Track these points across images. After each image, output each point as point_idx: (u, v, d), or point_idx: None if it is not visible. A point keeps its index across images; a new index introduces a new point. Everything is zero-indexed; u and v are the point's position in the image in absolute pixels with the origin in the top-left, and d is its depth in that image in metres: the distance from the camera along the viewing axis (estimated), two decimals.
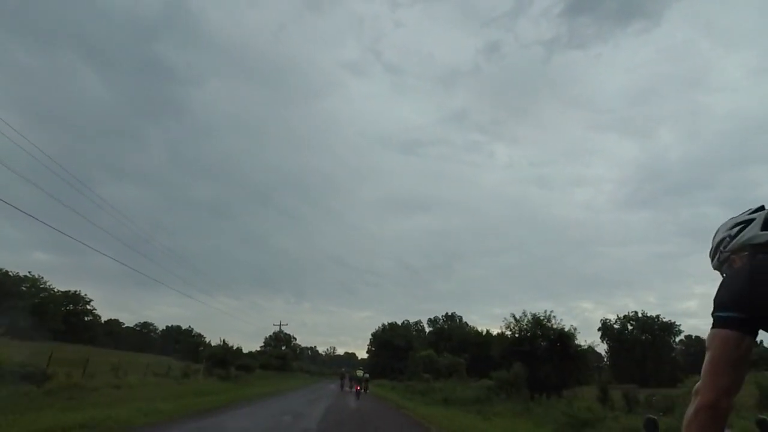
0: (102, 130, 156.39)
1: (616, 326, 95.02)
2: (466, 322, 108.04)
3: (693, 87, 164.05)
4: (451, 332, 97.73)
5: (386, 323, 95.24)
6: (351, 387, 37.96)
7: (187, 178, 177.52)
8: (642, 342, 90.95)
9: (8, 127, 14.96)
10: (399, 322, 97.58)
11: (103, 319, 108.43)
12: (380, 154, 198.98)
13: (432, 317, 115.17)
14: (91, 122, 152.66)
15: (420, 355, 47.26)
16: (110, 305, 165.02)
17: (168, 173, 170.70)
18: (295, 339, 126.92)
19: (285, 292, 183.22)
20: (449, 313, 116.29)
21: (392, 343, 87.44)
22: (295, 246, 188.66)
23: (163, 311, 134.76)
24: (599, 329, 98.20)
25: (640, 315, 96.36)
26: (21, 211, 14.78)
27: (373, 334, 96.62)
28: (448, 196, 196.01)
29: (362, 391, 32.64)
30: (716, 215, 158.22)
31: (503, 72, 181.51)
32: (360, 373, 35.76)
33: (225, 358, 35.21)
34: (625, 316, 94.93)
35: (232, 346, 37.56)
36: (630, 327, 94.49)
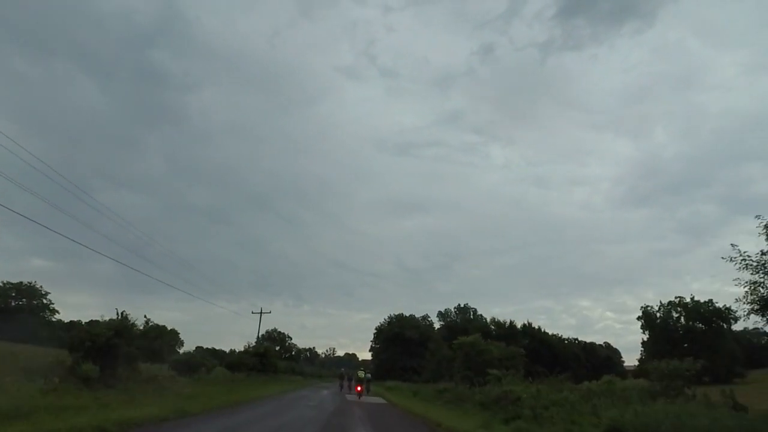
0: (99, 137, 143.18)
1: (659, 314, 77.07)
2: (481, 315, 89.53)
3: (687, 86, 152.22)
4: (466, 326, 79.06)
5: (393, 315, 76.53)
6: (351, 389, 34.74)
7: (185, 185, 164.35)
8: (695, 331, 72.42)
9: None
10: (405, 315, 78.72)
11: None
12: (377, 157, 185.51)
13: (442, 310, 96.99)
14: (88, 130, 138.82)
15: (461, 342, 29.17)
16: (108, 311, 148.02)
17: (166, 180, 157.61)
18: (290, 338, 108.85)
19: (284, 295, 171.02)
20: (462, 305, 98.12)
21: (402, 336, 68.92)
22: (293, 249, 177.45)
23: (161, 316, 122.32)
24: (639, 318, 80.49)
25: (687, 300, 77.67)
26: (20, 214, 13.31)
27: (378, 328, 77.99)
28: (445, 197, 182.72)
29: (364, 393, 30.56)
30: (712, 212, 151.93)
31: (498, 74, 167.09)
32: (362, 374, 32.95)
33: (110, 347, 17.01)
34: (669, 302, 76.54)
35: (131, 323, 19.25)
36: (675, 314, 76.14)
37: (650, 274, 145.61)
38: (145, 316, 48.66)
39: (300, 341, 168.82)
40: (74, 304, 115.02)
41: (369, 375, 39.74)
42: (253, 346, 48.72)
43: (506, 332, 76.56)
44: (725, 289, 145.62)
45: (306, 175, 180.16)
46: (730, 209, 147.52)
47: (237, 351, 48.49)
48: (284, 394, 24.98)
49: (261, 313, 50.03)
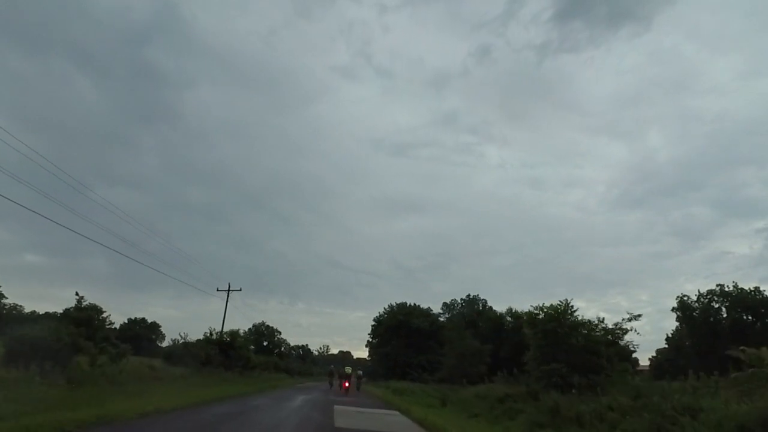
0: (94, 135, 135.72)
1: (696, 305, 63.95)
2: (491, 307, 75.87)
3: (682, 90, 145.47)
4: (476, 318, 65.48)
5: (394, 303, 62.82)
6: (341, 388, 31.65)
7: (181, 183, 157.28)
8: (742, 324, 59.37)
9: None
10: (409, 304, 64.84)
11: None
12: (372, 157, 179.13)
13: (448, 301, 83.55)
14: (83, 127, 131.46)
15: (538, 315, 15.99)
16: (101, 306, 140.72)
17: (162, 178, 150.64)
18: (279, 332, 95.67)
19: (279, 293, 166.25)
20: (470, 296, 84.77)
21: (408, 326, 55.41)
22: (289, 248, 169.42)
23: (156, 313, 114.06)
24: (674, 309, 67.28)
25: (730, 288, 64.26)
26: (20, 204, 13.83)
27: (377, 319, 64.32)
28: (441, 198, 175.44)
29: (354, 388, 31.34)
30: (706, 216, 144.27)
31: (494, 75, 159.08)
32: (349, 369, 32.10)
33: None
34: (709, 291, 63.34)
35: None
36: (716, 305, 62.96)
37: (644, 276, 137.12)
38: (76, 293, 35.12)
39: (294, 339, 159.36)
40: (69, 300, 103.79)
41: (360, 372, 37.84)
42: (217, 334, 35.42)
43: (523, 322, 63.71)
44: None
45: (302, 175, 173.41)
46: (723, 212, 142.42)
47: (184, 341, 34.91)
48: (198, 410, 11.69)
49: (228, 290, 36.70)
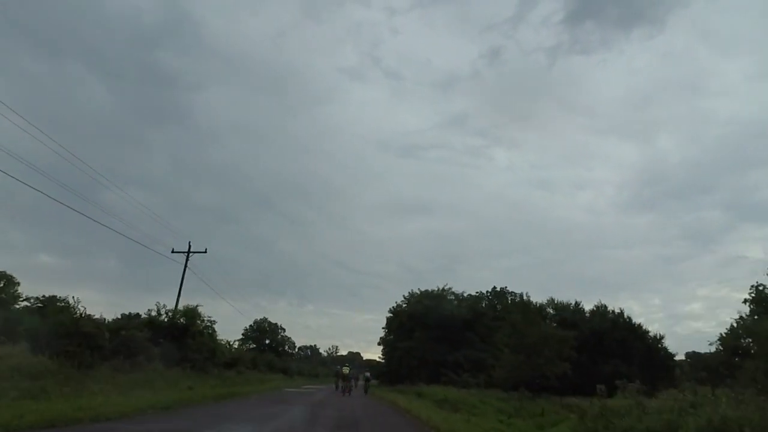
0: (106, 136, 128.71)
1: None
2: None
3: (693, 92, 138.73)
4: (512, 309, 52.43)
5: (417, 290, 50.16)
6: (343, 390, 28.01)
7: (190, 183, 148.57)
8: None
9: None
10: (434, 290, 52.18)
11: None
12: (380, 159, 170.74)
13: (473, 293, 70.90)
14: (96, 128, 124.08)
15: None
16: (113, 307, 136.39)
17: (171, 179, 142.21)
18: (284, 330, 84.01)
19: (288, 294, 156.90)
20: (497, 288, 71.94)
21: (437, 314, 42.59)
22: (297, 250, 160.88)
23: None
24: (745, 301, 52.62)
25: None
26: (31, 186, 13.70)
27: (393, 311, 51.87)
28: (449, 200, 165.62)
29: (354, 387, 29.25)
30: (717, 219, 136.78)
31: (504, 77, 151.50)
32: (346, 370, 30.24)
33: None
34: None
35: None
36: None
37: (655, 279, 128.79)
38: None
39: (304, 340, 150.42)
40: (81, 300, 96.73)
41: (368, 373, 35.91)
42: (168, 313, 23.52)
43: (572, 317, 50.82)
44: (733, 295, 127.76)
45: (310, 176, 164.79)
46: (735, 216, 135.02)
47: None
48: None
49: (188, 252, 24.82)
